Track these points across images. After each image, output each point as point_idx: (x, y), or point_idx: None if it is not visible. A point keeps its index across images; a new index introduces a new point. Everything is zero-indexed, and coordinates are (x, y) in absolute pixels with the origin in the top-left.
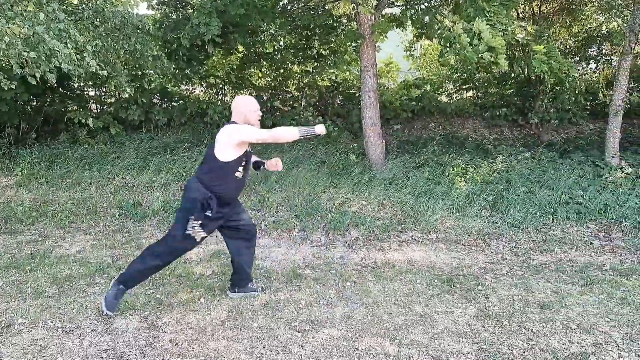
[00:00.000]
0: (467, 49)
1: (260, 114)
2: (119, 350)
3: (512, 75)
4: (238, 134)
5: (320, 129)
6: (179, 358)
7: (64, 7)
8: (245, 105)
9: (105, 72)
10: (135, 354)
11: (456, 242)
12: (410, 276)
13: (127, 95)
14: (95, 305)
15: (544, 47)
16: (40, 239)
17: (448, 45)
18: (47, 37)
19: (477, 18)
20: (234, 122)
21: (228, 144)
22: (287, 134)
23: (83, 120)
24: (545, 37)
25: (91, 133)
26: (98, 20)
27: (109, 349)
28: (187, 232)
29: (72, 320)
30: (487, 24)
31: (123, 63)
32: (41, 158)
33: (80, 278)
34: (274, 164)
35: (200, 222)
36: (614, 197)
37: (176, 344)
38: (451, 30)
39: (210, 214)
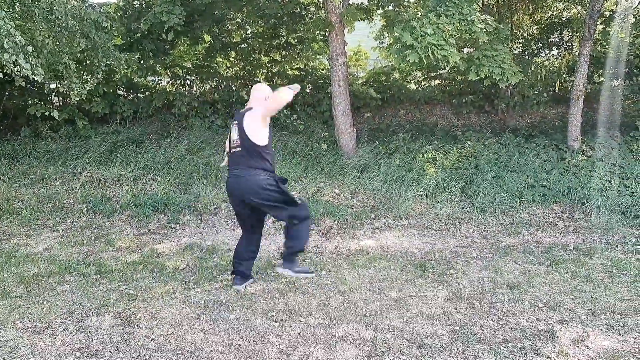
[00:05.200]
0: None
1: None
2: (93, 348)
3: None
4: None
5: (295, 87)
6: (156, 353)
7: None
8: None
9: (38, 77)
10: (110, 351)
11: (428, 228)
12: (384, 262)
13: (77, 99)
14: (66, 304)
15: (493, 52)
16: (4, 237)
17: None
18: None
19: (424, 16)
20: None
21: None
22: (285, 95)
23: (47, 113)
24: (505, 35)
25: (54, 127)
26: (53, 16)
27: (83, 347)
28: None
29: (42, 320)
30: (444, 13)
31: (84, 56)
32: (1, 154)
33: (48, 276)
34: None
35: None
36: (576, 179)
37: (152, 339)
38: (411, 20)
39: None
